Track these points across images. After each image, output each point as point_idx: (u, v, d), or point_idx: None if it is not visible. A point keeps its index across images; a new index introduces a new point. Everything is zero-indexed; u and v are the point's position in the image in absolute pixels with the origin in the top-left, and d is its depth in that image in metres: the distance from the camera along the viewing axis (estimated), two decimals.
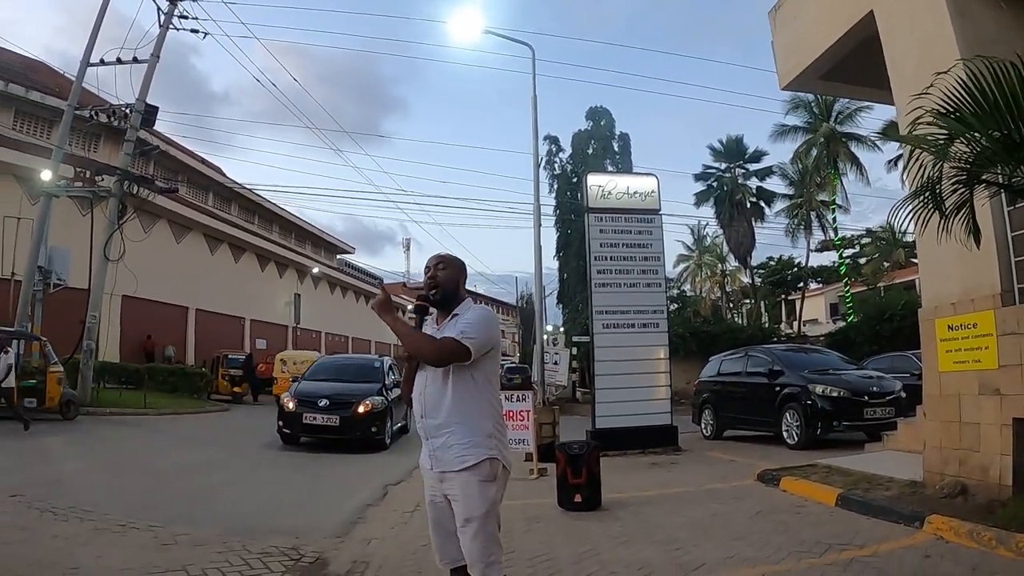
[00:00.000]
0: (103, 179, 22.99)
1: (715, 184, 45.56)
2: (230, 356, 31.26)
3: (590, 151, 44.25)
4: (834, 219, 42.23)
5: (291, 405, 14.52)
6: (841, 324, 39.61)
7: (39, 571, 5.36)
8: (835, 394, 12.92)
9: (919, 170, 5.60)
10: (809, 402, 12.99)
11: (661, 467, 11.92)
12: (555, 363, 26.16)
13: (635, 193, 14.57)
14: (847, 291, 42.55)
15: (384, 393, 15.30)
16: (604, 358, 13.83)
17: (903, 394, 13.11)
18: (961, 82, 5.31)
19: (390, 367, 17.13)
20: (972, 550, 5.63)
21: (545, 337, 22.97)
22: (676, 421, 14.17)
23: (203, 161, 42.79)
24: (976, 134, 5.28)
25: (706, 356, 20.16)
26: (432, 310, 3.67)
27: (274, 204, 49.09)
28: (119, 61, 22.06)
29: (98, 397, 21.38)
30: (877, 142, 39.23)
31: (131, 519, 7.16)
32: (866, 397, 13.00)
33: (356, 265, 68.10)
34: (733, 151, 45.35)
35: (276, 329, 45.78)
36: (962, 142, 5.38)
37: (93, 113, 22.74)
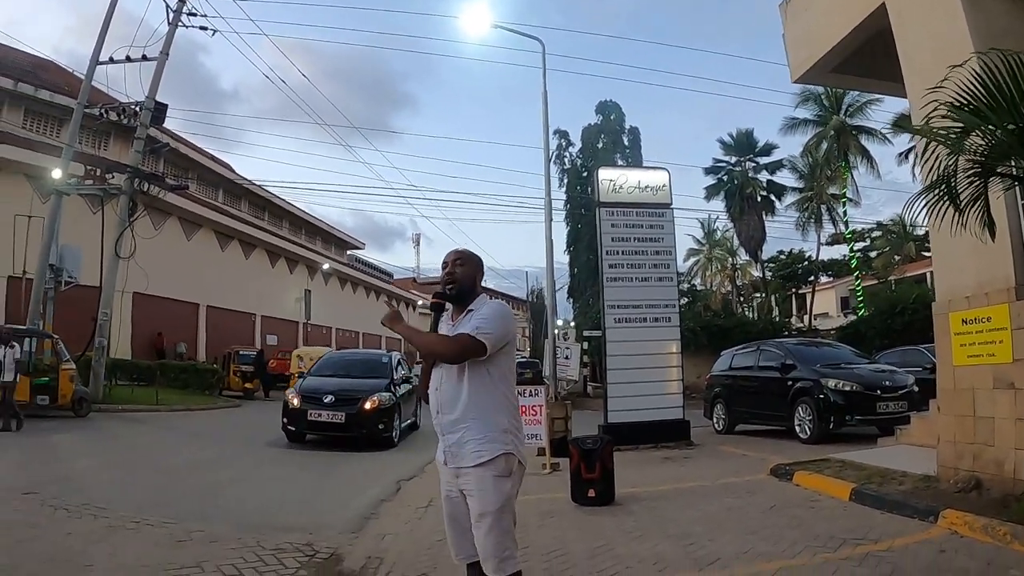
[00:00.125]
0: (113, 177, 23.10)
1: (725, 178, 45.42)
2: (241, 352, 31.38)
3: (600, 145, 44.10)
4: (845, 212, 42.08)
5: (296, 402, 14.21)
6: (852, 318, 39.47)
7: (53, 568, 5.38)
8: (848, 388, 12.88)
9: (935, 162, 5.58)
10: (821, 396, 12.96)
11: (674, 461, 11.89)
12: (566, 357, 26.14)
13: (646, 187, 14.52)
14: (858, 285, 42.39)
15: (392, 389, 14.94)
16: (616, 352, 13.78)
17: (916, 388, 13.07)
18: (976, 75, 5.28)
19: (398, 362, 16.86)
20: (987, 544, 5.61)
21: (556, 332, 22.92)
22: (687, 415, 14.14)
23: (213, 158, 42.93)
24: (991, 127, 5.26)
25: (717, 350, 20.12)
26: (448, 306, 3.67)
27: (284, 200, 49.25)
28: (128, 59, 22.16)
29: (110, 394, 21.52)
30: (888, 135, 39.12)
31: (144, 516, 7.18)
32: (879, 391, 12.96)
33: (366, 261, 68.25)
34: (743, 145, 45.20)
35: (287, 325, 45.92)
36: (977, 135, 5.36)
37: (103, 111, 22.84)
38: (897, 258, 50.94)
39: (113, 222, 22.00)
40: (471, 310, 3.55)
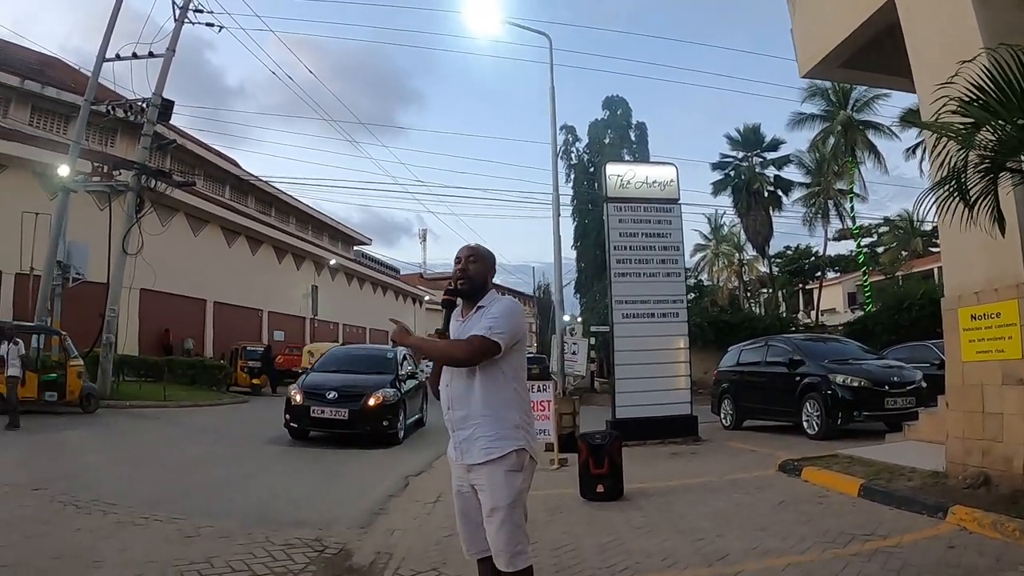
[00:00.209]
0: (120, 173, 23.17)
1: (732, 173, 45.37)
2: (248, 348, 31.39)
3: (607, 140, 44.13)
4: (852, 208, 42.00)
5: (298, 398, 13.96)
6: (859, 313, 39.38)
7: (63, 564, 5.40)
8: (856, 384, 12.84)
9: (945, 158, 5.56)
10: (829, 392, 12.92)
11: (682, 457, 11.90)
12: (573, 353, 26.14)
13: (654, 182, 14.50)
14: (865, 280, 42.29)
15: (397, 385, 14.69)
16: (624, 348, 13.79)
17: (924, 384, 13.03)
18: (985, 70, 5.27)
19: (404, 358, 16.56)
20: (996, 541, 5.61)
21: (563, 327, 22.90)
22: (695, 411, 14.14)
23: (220, 154, 43.01)
24: (1001, 122, 5.24)
25: (723, 346, 20.09)
26: (458, 302, 3.67)
27: (291, 196, 49.35)
28: (135, 56, 22.20)
29: (118, 390, 21.62)
30: (895, 130, 39.01)
31: (153, 512, 7.21)
32: (887, 387, 12.92)
33: (373, 256, 68.21)
34: (750, 140, 45.12)
35: (294, 321, 46.01)
36: (987, 130, 5.34)
37: (110, 108, 22.90)
38: (904, 253, 50.92)
39: (120, 218, 22.07)
40: (482, 307, 3.55)
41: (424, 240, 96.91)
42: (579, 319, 40.73)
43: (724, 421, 16.46)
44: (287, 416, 14.08)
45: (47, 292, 21.11)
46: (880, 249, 55.99)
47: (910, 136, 38.69)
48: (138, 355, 28.55)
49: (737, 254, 56.14)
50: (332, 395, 13.79)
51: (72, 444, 12.98)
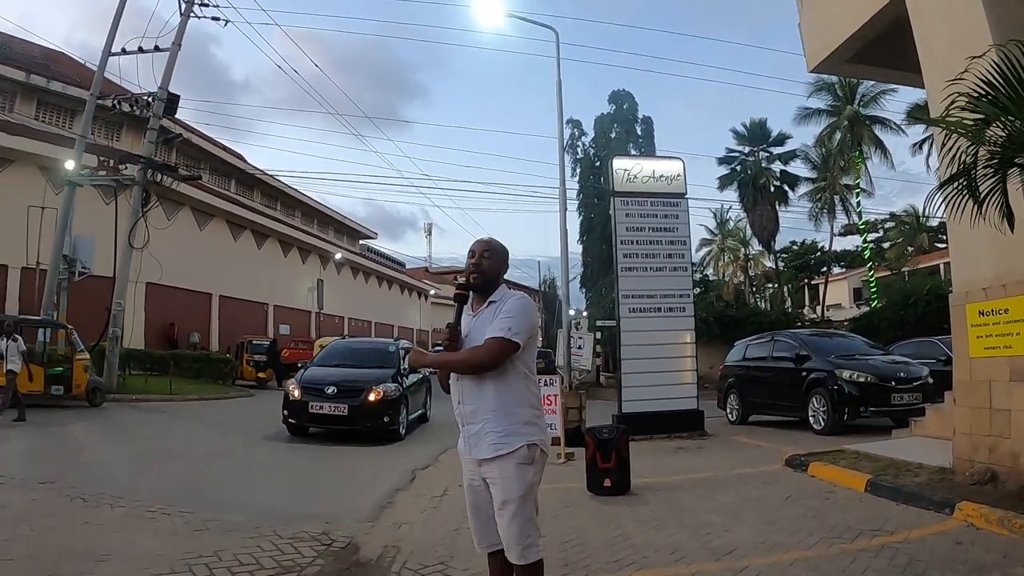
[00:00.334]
0: (126, 167, 23.22)
1: (739, 168, 45.20)
2: (254, 342, 31.54)
3: (613, 135, 44.01)
4: (858, 203, 41.85)
5: (296, 393, 13.56)
6: (865, 309, 39.33)
7: (72, 558, 5.39)
8: (862, 379, 12.84)
9: (956, 153, 5.55)
10: (836, 387, 12.92)
11: (688, 452, 11.91)
12: (579, 347, 26.16)
13: (661, 177, 14.50)
14: (871, 276, 42.22)
15: (399, 380, 14.25)
16: (630, 342, 13.79)
17: (930, 380, 13.02)
18: (995, 65, 5.26)
19: (406, 351, 15.56)
20: (1003, 537, 5.61)
21: (570, 321, 22.89)
22: (701, 406, 14.16)
23: (225, 148, 43.00)
24: (1011, 117, 5.23)
25: (729, 341, 20.10)
26: (470, 295, 3.67)
27: (296, 190, 49.31)
28: (141, 50, 22.20)
29: (124, 384, 21.67)
30: (902, 125, 38.91)
31: (160, 505, 7.21)
32: (893, 383, 12.92)
33: (378, 250, 68.24)
34: (757, 134, 44.96)
35: (299, 315, 46.07)
36: (997, 126, 5.33)
37: (115, 102, 22.90)
38: (910, 249, 50.74)
39: (126, 212, 22.10)
40: (493, 301, 3.55)
41: (429, 234, 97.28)
42: (584, 314, 40.70)
43: (730, 416, 16.47)
44: (285, 412, 13.77)
45: (53, 286, 21.14)
46: (886, 245, 55.85)
47: (917, 131, 38.68)
48: (144, 349, 28.59)
49: (743, 249, 55.96)
50: (331, 390, 13.40)
51: (79, 438, 12.97)
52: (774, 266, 51.85)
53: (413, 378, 15.27)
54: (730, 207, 52.62)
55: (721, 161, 45.79)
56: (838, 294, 54.23)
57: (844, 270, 58.30)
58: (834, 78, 36.51)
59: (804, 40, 11.80)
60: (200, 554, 5.54)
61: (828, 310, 47.20)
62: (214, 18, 23.68)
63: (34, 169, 26.19)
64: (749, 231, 49.32)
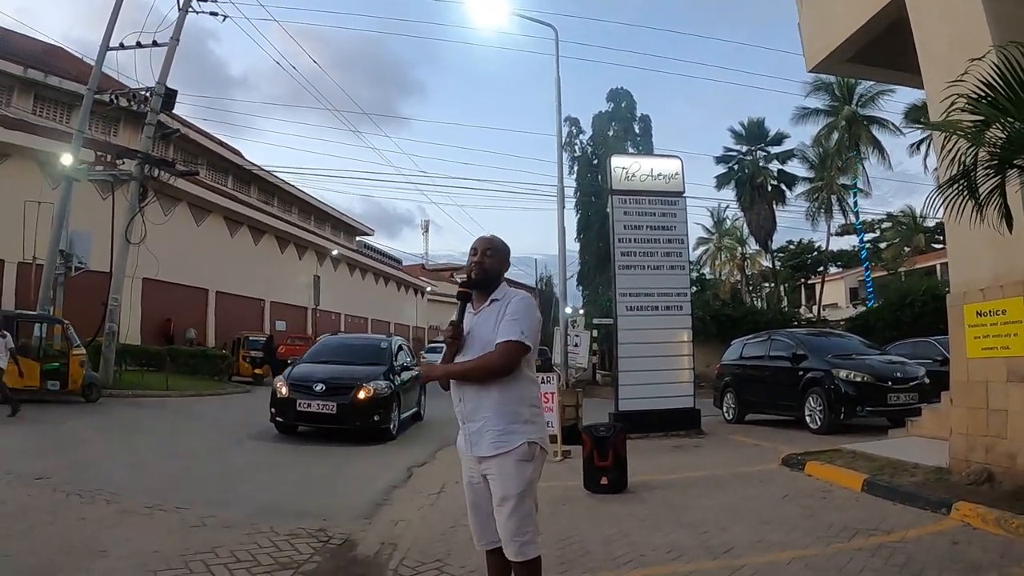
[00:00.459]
0: (123, 163, 23.17)
1: (736, 167, 45.17)
2: (251, 338, 31.51)
3: (611, 133, 44.04)
4: (855, 203, 41.88)
5: (284, 390, 13.09)
6: (861, 309, 39.37)
7: (68, 554, 5.39)
8: (859, 379, 12.87)
9: (956, 155, 5.56)
10: (832, 387, 12.94)
11: (684, 450, 11.92)
12: (576, 345, 26.15)
13: (659, 175, 14.50)
14: (868, 275, 42.26)
15: (390, 377, 13.79)
16: (627, 340, 13.79)
17: (927, 380, 13.05)
18: (995, 67, 5.27)
19: (400, 348, 15.88)
20: (999, 537, 5.64)
21: (566, 319, 22.88)
22: (698, 404, 14.18)
23: (222, 144, 42.93)
24: (1010, 119, 5.24)
25: (726, 340, 20.12)
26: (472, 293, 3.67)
27: (293, 186, 49.29)
28: (139, 45, 22.14)
29: (120, 379, 21.61)
30: (899, 125, 38.96)
31: (157, 501, 7.20)
32: (890, 383, 12.95)
33: (375, 247, 68.17)
34: (755, 134, 44.94)
35: (296, 311, 46.01)
36: (996, 128, 5.34)
37: (113, 97, 22.88)
38: (907, 249, 50.76)
39: (123, 208, 22.04)
40: (496, 299, 3.57)
41: (426, 231, 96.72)
42: (581, 311, 40.71)
43: (726, 415, 16.49)
44: (272, 410, 13.33)
45: (50, 281, 21.09)
46: (883, 245, 55.91)
47: (914, 132, 38.68)
48: (140, 344, 28.51)
49: (740, 248, 55.94)
50: (319, 387, 12.97)
51: (75, 433, 12.94)
52: (771, 265, 51.89)
53: (406, 376, 14.94)
54: (727, 206, 52.67)
55: (719, 160, 45.80)
56: (834, 294, 54.34)
57: (841, 270, 58.43)
58: (832, 78, 36.54)
59: (803, 40, 11.80)
60: (197, 550, 5.54)
61: (824, 310, 47.28)
62: (212, 13, 23.65)
63: (31, 163, 26.14)
64: (746, 230, 49.35)
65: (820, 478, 8.54)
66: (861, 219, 43.52)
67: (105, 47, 22.30)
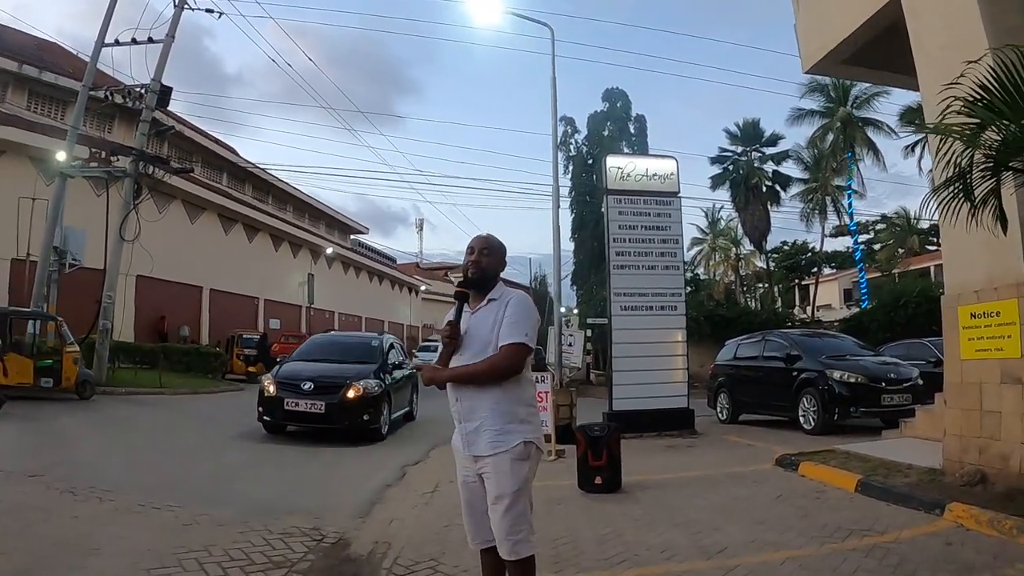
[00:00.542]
0: (118, 159, 23.10)
1: (731, 168, 45.24)
2: (244, 336, 31.44)
3: (606, 133, 43.95)
4: (849, 204, 42.00)
5: (271, 389, 12.84)
6: (855, 310, 39.44)
7: (61, 552, 5.39)
8: (853, 380, 12.91)
9: (951, 157, 5.57)
10: (826, 387, 12.98)
11: (678, 450, 11.92)
12: (569, 345, 26.15)
13: (654, 175, 14.50)
14: (862, 277, 42.35)
15: (381, 376, 13.59)
16: (621, 340, 13.78)
17: (920, 381, 13.08)
18: (991, 70, 5.28)
19: (391, 346, 15.67)
20: (993, 538, 5.65)
21: (561, 319, 22.87)
22: (691, 404, 14.17)
23: (217, 141, 42.88)
24: (1006, 122, 5.26)
25: (719, 340, 20.13)
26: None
27: (288, 184, 49.28)
28: (134, 41, 22.15)
29: (114, 377, 21.60)
30: (895, 128, 39.03)
31: (150, 499, 7.19)
32: (883, 384, 12.98)
33: (370, 245, 68.10)
34: (750, 135, 45.01)
35: (290, 309, 45.97)
36: (992, 130, 5.36)
37: (108, 94, 22.84)
38: (901, 251, 50.94)
39: (117, 205, 21.99)
40: (492, 299, 3.57)
41: (421, 230, 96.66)
42: (575, 311, 40.70)
43: (720, 415, 16.50)
44: (260, 409, 13.07)
45: (43, 278, 21.05)
46: (877, 246, 56.09)
47: (909, 134, 38.74)
48: (134, 342, 28.49)
49: (734, 248, 56.06)
50: (308, 386, 12.70)
51: (68, 431, 12.91)
52: (765, 266, 52.05)
53: (398, 374, 14.87)
54: (721, 206, 52.80)
55: (714, 160, 45.88)
56: (828, 295, 54.45)
57: (835, 271, 58.54)
58: (827, 80, 36.64)
59: (800, 41, 11.82)
60: (190, 548, 5.54)
61: (818, 310, 47.37)
62: (208, 10, 23.60)
63: (25, 160, 26.07)
64: (740, 231, 49.44)
65: (814, 478, 8.55)
66: (855, 220, 43.63)
67: (100, 43, 22.27)
